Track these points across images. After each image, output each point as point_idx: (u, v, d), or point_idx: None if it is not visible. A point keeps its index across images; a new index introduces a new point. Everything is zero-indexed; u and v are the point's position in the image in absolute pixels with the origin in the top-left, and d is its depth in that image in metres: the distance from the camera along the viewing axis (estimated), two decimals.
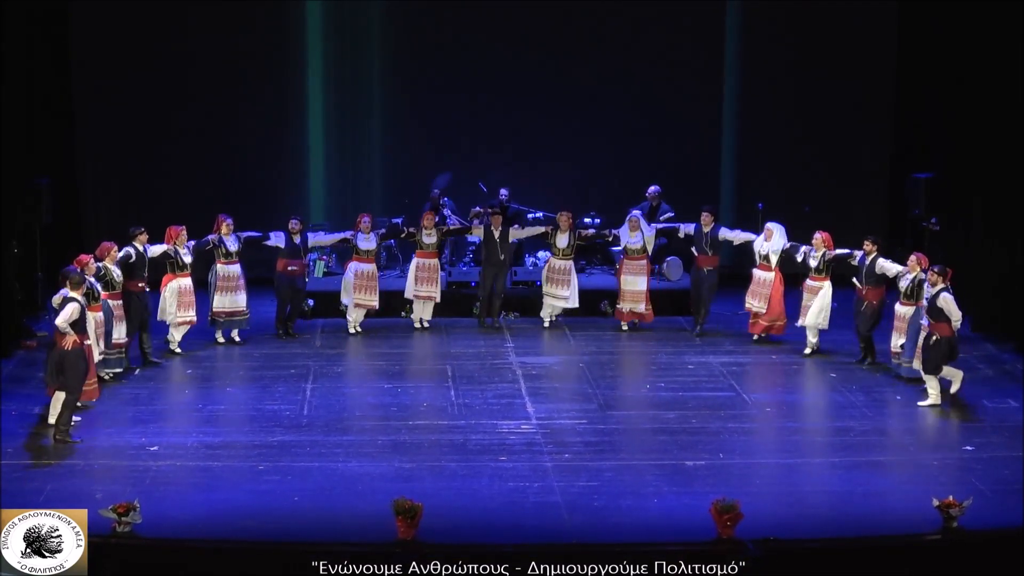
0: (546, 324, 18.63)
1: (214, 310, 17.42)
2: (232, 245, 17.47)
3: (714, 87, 21.56)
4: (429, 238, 18.43)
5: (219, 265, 17.44)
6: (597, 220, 19.78)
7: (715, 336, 18.10)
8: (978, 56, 18.13)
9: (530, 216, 20.10)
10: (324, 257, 20.09)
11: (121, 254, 15.98)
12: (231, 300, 17.45)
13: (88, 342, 13.95)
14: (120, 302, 15.79)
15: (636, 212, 18.77)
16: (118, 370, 15.85)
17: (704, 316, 18.23)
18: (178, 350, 17.07)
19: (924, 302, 15.28)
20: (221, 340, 17.58)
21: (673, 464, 13.20)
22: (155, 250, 16.71)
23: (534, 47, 21.30)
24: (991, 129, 17.97)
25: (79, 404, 13.92)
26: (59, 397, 13.75)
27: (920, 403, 15.02)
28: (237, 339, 17.63)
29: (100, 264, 15.39)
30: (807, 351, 17.23)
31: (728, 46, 21.54)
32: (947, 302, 14.75)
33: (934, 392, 15.00)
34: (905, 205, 19.85)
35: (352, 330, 18.26)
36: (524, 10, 21.14)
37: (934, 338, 14.80)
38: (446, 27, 21.29)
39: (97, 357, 14.82)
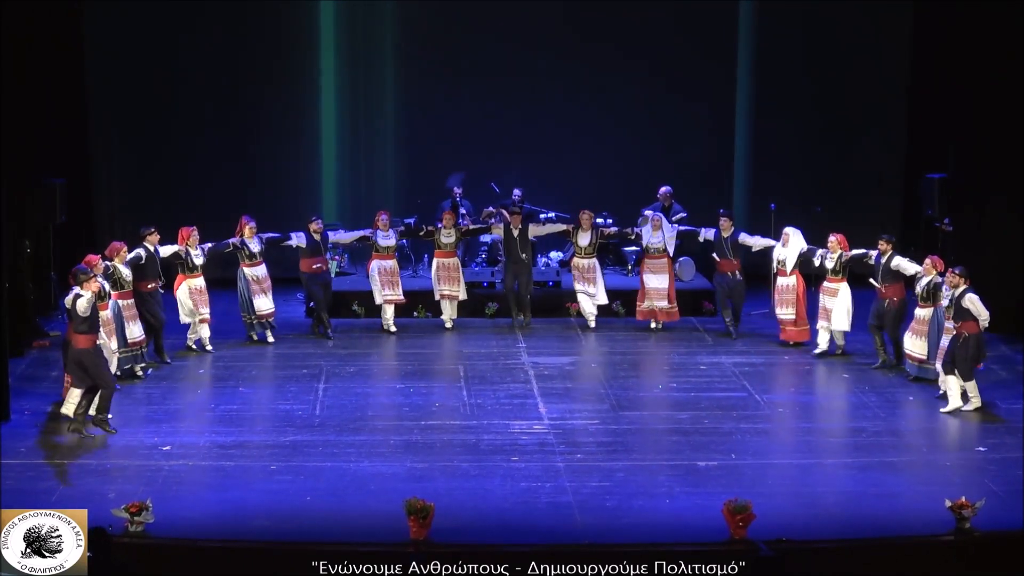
0: (591, 323, 18.59)
1: (258, 313, 17.44)
2: (255, 246, 17.49)
3: (727, 87, 21.54)
4: (448, 237, 18.45)
5: (245, 268, 17.44)
6: (609, 220, 19.75)
7: (728, 337, 18.08)
8: (993, 56, 18.08)
9: (542, 216, 20.09)
10: (336, 257, 20.11)
11: (132, 255, 16.01)
12: (264, 302, 17.51)
13: (100, 342, 13.98)
14: (130, 302, 15.84)
15: (656, 213, 18.75)
16: (129, 366, 15.87)
17: (737, 320, 18.20)
18: (209, 347, 17.16)
19: (943, 303, 15.26)
20: (256, 337, 17.62)
21: (686, 465, 13.20)
22: (166, 250, 16.76)
23: (546, 47, 21.29)
24: (1004, 129, 17.93)
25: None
26: (74, 391, 13.80)
27: (964, 408, 14.89)
28: (271, 339, 17.68)
29: (108, 263, 15.41)
30: (818, 351, 17.20)
31: (741, 46, 21.52)
32: (973, 302, 14.72)
33: (974, 394, 14.92)
34: (919, 205, 19.84)
35: (388, 328, 18.29)
36: (537, 10, 21.12)
37: (962, 337, 14.76)
38: (459, 28, 21.29)
39: (109, 355, 14.85)
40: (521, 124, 21.47)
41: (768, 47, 21.42)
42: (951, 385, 14.91)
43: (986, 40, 18.19)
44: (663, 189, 19.96)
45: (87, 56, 20.21)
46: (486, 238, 19.89)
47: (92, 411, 13.84)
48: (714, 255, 18.19)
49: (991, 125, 18.20)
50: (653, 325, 18.47)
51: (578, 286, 18.57)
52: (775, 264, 17.64)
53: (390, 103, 21.57)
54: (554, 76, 21.44)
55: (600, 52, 21.35)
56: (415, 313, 18.94)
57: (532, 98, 21.48)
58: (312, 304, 18.17)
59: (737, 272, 18.06)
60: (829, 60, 21.29)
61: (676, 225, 18.85)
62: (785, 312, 17.55)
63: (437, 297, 18.55)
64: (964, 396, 14.94)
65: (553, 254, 20.28)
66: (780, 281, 17.58)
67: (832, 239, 17.07)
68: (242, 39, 20.91)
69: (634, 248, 18.77)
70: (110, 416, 13.96)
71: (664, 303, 18.33)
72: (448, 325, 18.58)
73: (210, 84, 20.93)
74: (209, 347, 17.20)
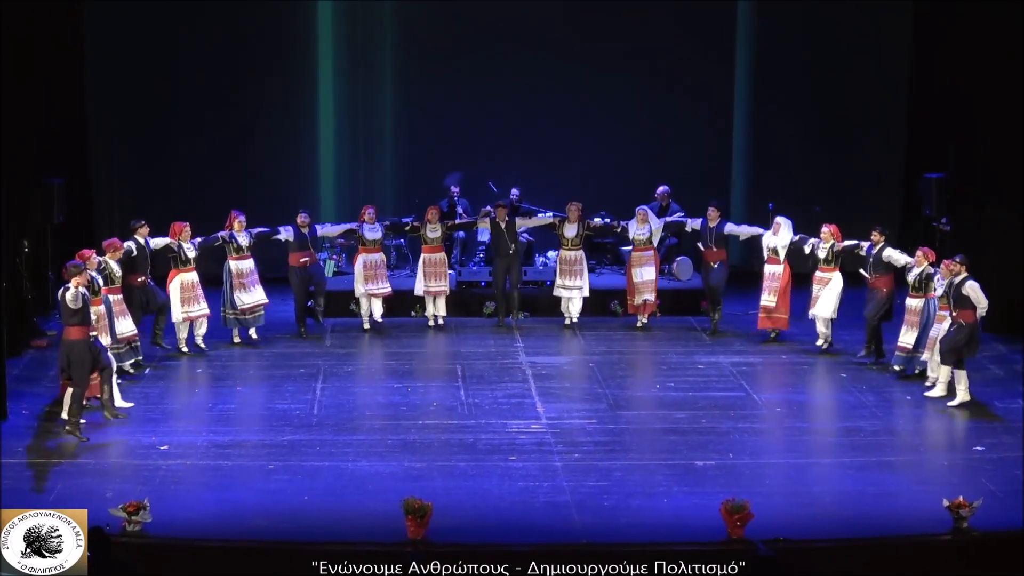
0: (567, 322, 18.62)
1: (239, 307, 17.40)
2: (244, 240, 17.47)
3: (725, 86, 21.55)
4: (433, 232, 18.46)
5: (231, 262, 17.41)
6: (607, 220, 19.74)
7: (725, 336, 18.09)
8: (993, 57, 18.06)
9: (539, 215, 20.08)
10: (335, 257, 20.12)
11: (122, 249, 15.99)
12: (249, 296, 17.45)
13: (93, 333, 13.99)
14: (119, 297, 15.80)
15: (644, 207, 18.78)
16: (127, 362, 15.84)
17: (718, 311, 18.22)
18: (185, 349, 17.07)
19: (935, 293, 15.33)
20: (238, 340, 17.57)
21: (683, 464, 13.20)
22: (157, 243, 16.75)
23: (545, 46, 21.30)
24: (1004, 129, 17.93)
25: (87, 398, 13.96)
26: (71, 391, 13.79)
27: (950, 403, 14.95)
28: (254, 336, 17.64)
29: (100, 259, 15.38)
30: (819, 342, 17.20)
31: (739, 45, 21.52)
32: (973, 289, 14.75)
33: (942, 383, 14.97)
34: (918, 205, 19.83)
35: (366, 325, 18.29)
36: (535, 10, 21.13)
37: (957, 325, 14.77)
38: (457, 27, 21.30)
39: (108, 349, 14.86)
40: (521, 124, 21.48)
41: (768, 47, 21.43)
42: (958, 378, 14.92)
43: (986, 40, 18.17)
44: (661, 189, 19.98)
45: (87, 56, 20.24)
46: (484, 237, 19.86)
47: (64, 414, 13.85)
48: (699, 245, 18.24)
49: (991, 125, 18.18)
50: (640, 324, 18.47)
51: (562, 280, 18.53)
52: (765, 252, 17.65)
53: (389, 103, 21.58)
54: (554, 76, 21.44)
55: (600, 52, 21.35)
56: (412, 312, 18.92)
57: (532, 98, 21.48)
58: (310, 298, 18.13)
59: (719, 261, 18.07)
60: (829, 60, 21.29)
61: (664, 218, 18.87)
62: (767, 299, 17.57)
63: (419, 292, 18.53)
64: (951, 389, 14.99)
65: (551, 253, 20.24)
66: (769, 268, 17.61)
67: (825, 229, 17.13)
68: (241, 39, 20.94)
69: (629, 247, 18.76)
70: (83, 421, 13.90)
71: (651, 296, 18.35)
72: (431, 323, 18.59)
73: (210, 84, 20.95)
74: (203, 345, 17.16)
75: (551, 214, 19.99)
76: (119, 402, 14.44)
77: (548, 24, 21.26)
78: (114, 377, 14.45)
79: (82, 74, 20.16)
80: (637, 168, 21.19)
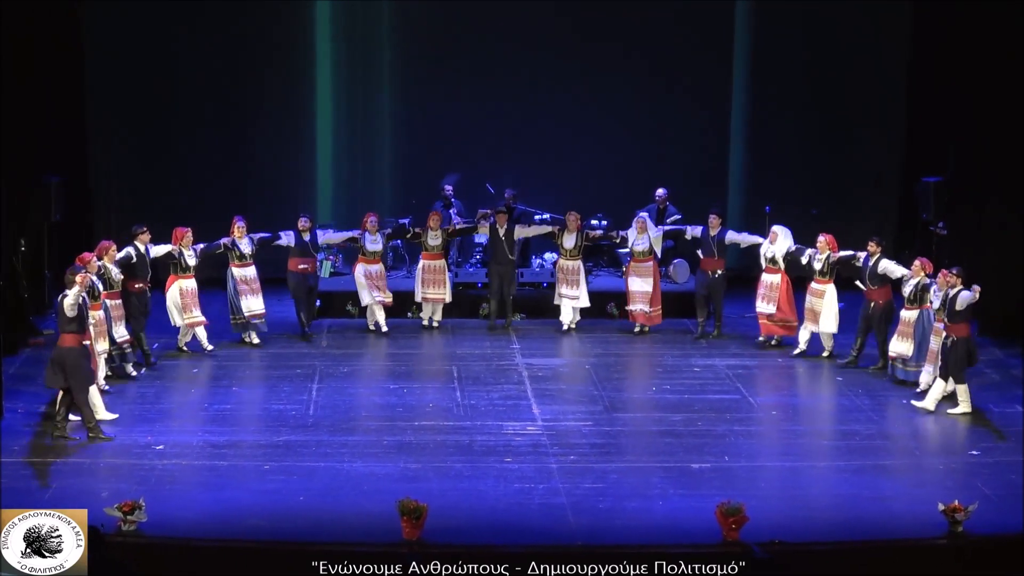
0: (565, 327, 18.55)
1: (247, 313, 17.39)
2: (246, 247, 17.45)
3: (723, 88, 21.50)
4: (434, 239, 18.45)
5: (234, 269, 17.38)
6: (604, 222, 19.72)
7: (721, 339, 18.07)
8: (993, 56, 18.06)
9: (537, 218, 20.06)
10: (331, 257, 20.10)
11: (121, 254, 15.99)
12: (253, 303, 17.44)
13: (87, 342, 13.98)
14: (119, 302, 15.81)
15: (643, 214, 18.75)
16: (128, 364, 15.85)
17: (719, 320, 18.20)
18: (185, 348, 17.10)
19: (930, 305, 15.31)
20: (248, 339, 17.54)
21: (679, 467, 13.21)
22: (158, 250, 16.73)
23: (545, 46, 21.27)
24: (1004, 130, 17.92)
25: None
26: (62, 396, 13.78)
27: (949, 411, 14.88)
28: (256, 340, 17.62)
29: (100, 263, 15.37)
30: (825, 354, 17.17)
31: (737, 47, 21.48)
32: (963, 301, 14.66)
33: (964, 400, 14.92)
34: (916, 207, 19.81)
35: (373, 327, 18.29)
36: (535, 10, 21.10)
37: (951, 340, 14.74)
38: (454, 28, 21.27)
39: (103, 355, 14.87)
40: (520, 124, 21.45)
41: (767, 47, 21.38)
42: (960, 388, 14.88)
43: (986, 40, 18.17)
44: (659, 191, 19.96)
45: (87, 56, 20.20)
46: (481, 239, 19.85)
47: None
48: (699, 252, 18.19)
49: (991, 125, 18.19)
50: (636, 329, 18.44)
51: (561, 289, 18.51)
52: (763, 262, 17.62)
53: (388, 103, 21.55)
54: (554, 76, 21.39)
55: (600, 52, 21.31)
56: (409, 314, 18.93)
57: (532, 98, 21.43)
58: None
59: (719, 271, 18.03)
60: (829, 60, 21.24)
61: (662, 227, 18.81)
62: (766, 307, 17.53)
63: (418, 299, 18.56)
64: (954, 399, 14.95)
65: (548, 255, 20.22)
66: (765, 278, 17.58)
67: (821, 239, 17.06)
68: (241, 39, 20.90)
69: (627, 251, 18.75)
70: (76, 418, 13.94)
71: (646, 306, 18.31)
72: (425, 323, 18.60)
73: (209, 84, 20.91)
74: (209, 347, 17.12)
75: (548, 216, 19.98)
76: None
77: (548, 24, 21.23)
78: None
79: (82, 74, 20.12)
80: (636, 168, 21.16)
